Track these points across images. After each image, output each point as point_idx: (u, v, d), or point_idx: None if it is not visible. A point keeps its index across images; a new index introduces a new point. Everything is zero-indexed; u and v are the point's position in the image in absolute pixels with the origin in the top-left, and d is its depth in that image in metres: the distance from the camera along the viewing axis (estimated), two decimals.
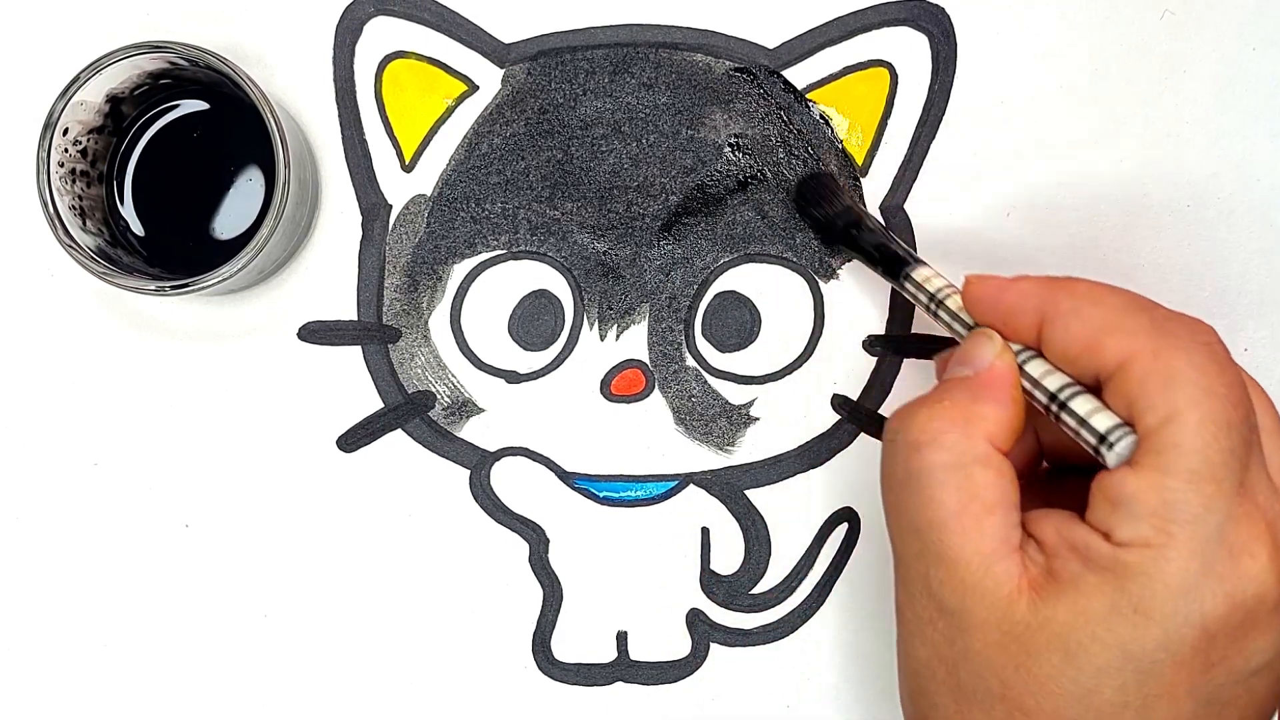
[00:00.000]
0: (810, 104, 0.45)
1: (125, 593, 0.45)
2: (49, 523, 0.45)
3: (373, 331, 0.45)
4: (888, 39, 0.44)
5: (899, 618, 0.36)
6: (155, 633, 0.45)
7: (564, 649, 0.45)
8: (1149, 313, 0.33)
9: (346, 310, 0.45)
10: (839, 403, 0.45)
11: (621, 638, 0.45)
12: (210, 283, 0.39)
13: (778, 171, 0.44)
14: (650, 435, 0.45)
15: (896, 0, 0.44)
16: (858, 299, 0.45)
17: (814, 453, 0.45)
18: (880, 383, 0.45)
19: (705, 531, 0.45)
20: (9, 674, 0.45)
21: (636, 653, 0.45)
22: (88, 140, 0.41)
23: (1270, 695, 0.32)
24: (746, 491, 0.45)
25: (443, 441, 0.45)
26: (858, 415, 0.45)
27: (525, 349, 0.45)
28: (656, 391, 0.45)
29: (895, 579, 0.35)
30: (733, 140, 0.44)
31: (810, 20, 0.44)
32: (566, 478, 0.45)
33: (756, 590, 0.45)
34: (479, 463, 0.45)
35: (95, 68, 0.39)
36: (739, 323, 0.45)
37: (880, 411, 0.45)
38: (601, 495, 0.45)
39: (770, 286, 0.45)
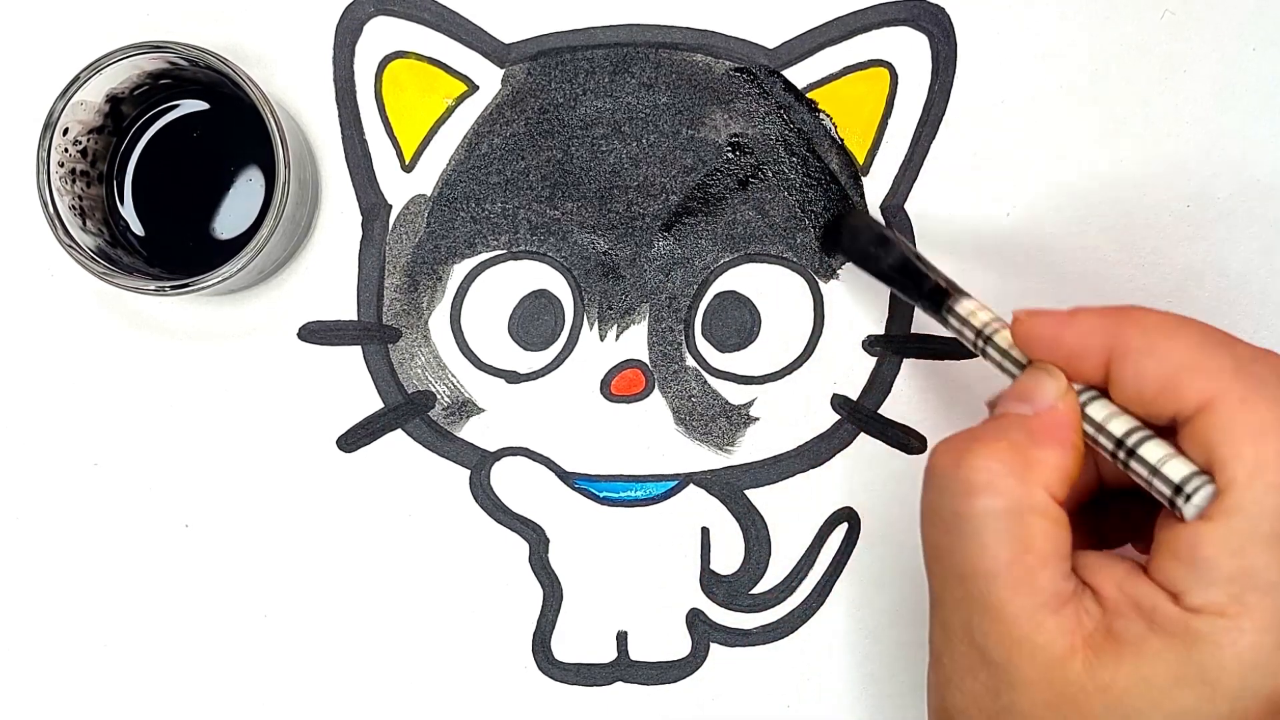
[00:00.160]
0: (810, 104, 0.45)
1: (125, 593, 0.45)
2: (49, 523, 0.45)
3: (373, 331, 0.45)
4: (888, 39, 0.44)
5: (934, 660, 0.34)
6: (155, 633, 0.45)
7: (564, 649, 0.45)
8: (1231, 350, 0.31)
9: (346, 310, 0.45)
10: (839, 403, 0.45)
11: (621, 638, 0.45)
12: (210, 283, 0.39)
13: (778, 171, 0.44)
14: (650, 435, 0.45)
15: (896, 0, 0.44)
16: (858, 299, 0.45)
17: (814, 453, 0.45)
18: (880, 383, 0.45)
19: (705, 531, 0.45)
20: (9, 674, 0.45)
21: (636, 653, 0.45)
22: (88, 140, 0.41)
23: None
24: (746, 491, 0.45)
25: (443, 441, 0.45)
26: (858, 415, 0.45)
27: (525, 349, 0.45)
28: (656, 391, 0.45)
29: (931, 618, 0.34)
30: (733, 140, 0.44)
31: (810, 20, 0.44)
32: (566, 478, 0.45)
33: (756, 590, 0.45)
34: (479, 463, 0.45)
35: (95, 68, 0.39)
36: (739, 323, 0.45)
37: (880, 412, 0.45)
38: (601, 495, 0.45)
39: (770, 286, 0.45)
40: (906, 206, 0.45)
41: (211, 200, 0.43)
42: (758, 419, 0.45)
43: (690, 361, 0.45)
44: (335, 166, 0.44)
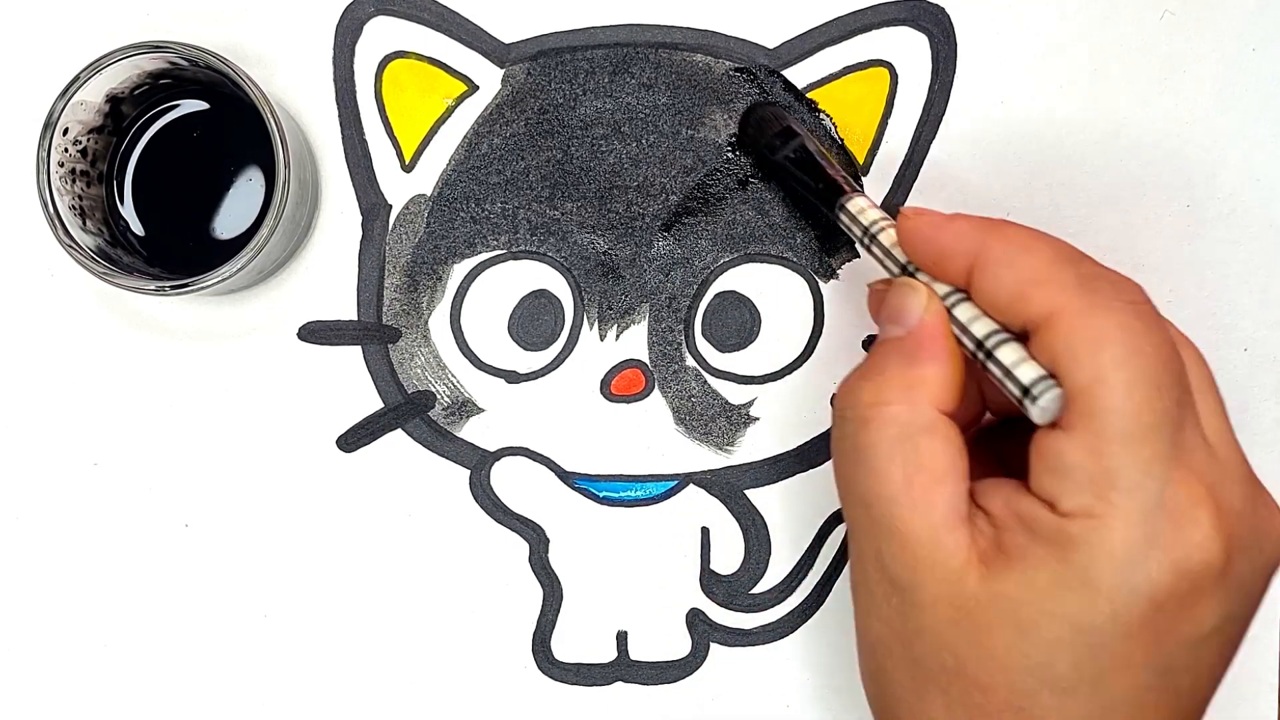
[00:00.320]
0: (810, 104, 0.45)
1: (125, 593, 0.45)
2: (49, 523, 0.45)
3: (373, 331, 0.45)
4: (888, 39, 0.44)
5: (854, 595, 0.35)
6: (155, 633, 0.45)
7: (564, 649, 0.45)
8: (1076, 267, 0.32)
9: (346, 310, 0.45)
10: None
11: (621, 637, 0.45)
12: (210, 283, 0.39)
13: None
14: (650, 435, 0.45)
15: (896, 0, 0.44)
16: (858, 299, 0.45)
17: (814, 453, 0.45)
18: None
19: (705, 531, 0.45)
20: (9, 674, 0.45)
21: (636, 653, 0.45)
22: (88, 140, 0.41)
23: (1220, 660, 0.32)
24: (746, 491, 0.45)
25: (443, 441, 0.45)
26: None
27: (525, 349, 0.45)
28: (656, 391, 0.45)
29: (850, 556, 0.35)
30: (733, 140, 0.44)
31: (810, 20, 0.44)
32: (566, 478, 0.45)
33: (756, 590, 0.45)
34: (479, 463, 0.45)
35: (95, 68, 0.39)
36: (739, 323, 0.45)
37: None
38: (601, 495, 0.45)
39: (770, 286, 0.45)
40: (906, 207, 0.45)
41: (211, 200, 0.43)
42: (758, 419, 0.45)
43: (690, 361, 0.45)
44: (335, 166, 0.44)
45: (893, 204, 0.45)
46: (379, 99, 0.44)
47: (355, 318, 0.45)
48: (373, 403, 0.45)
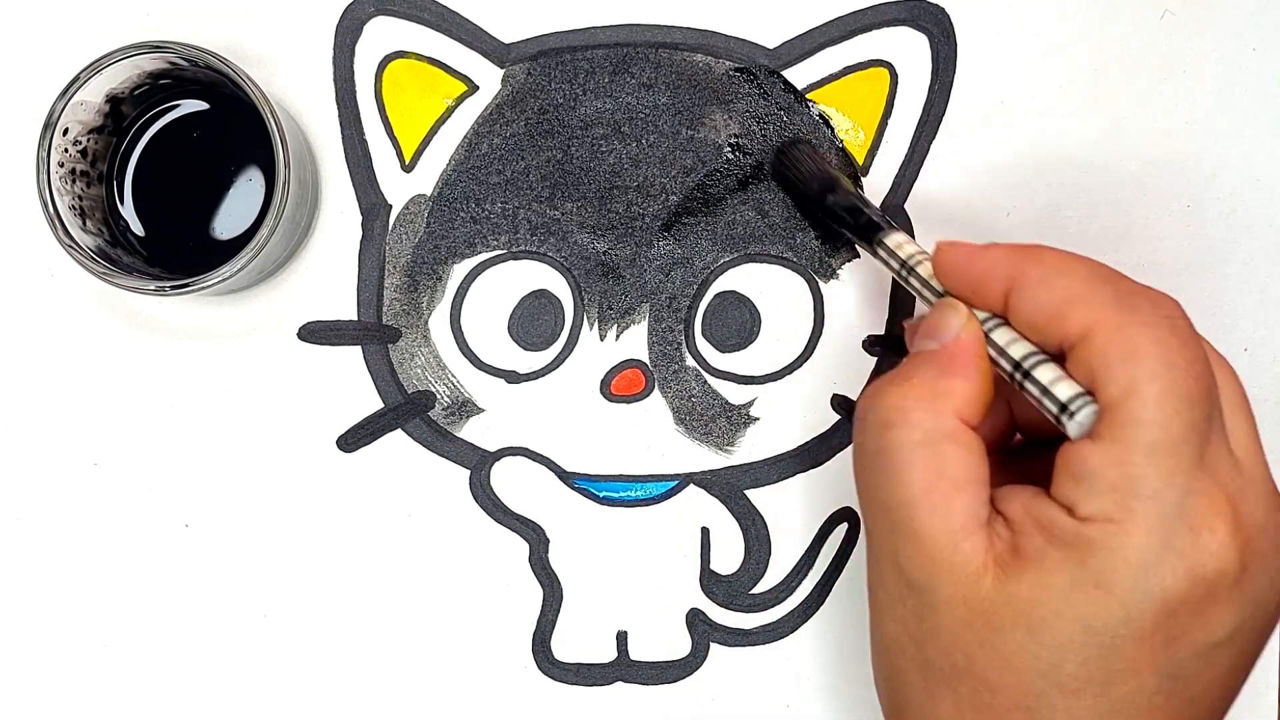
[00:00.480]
0: (810, 104, 0.45)
1: (125, 593, 0.45)
2: (49, 523, 0.45)
3: (373, 331, 0.45)
4: (888, 39, 0.44)
5: (870, 596, 0.36)
6: (155, 633, 0.45)
7: (564, 649, 0.45)
8: (1114, 285, 0.33)
9: (346, 310, 0.45)
10: (839, 403, 0.45)
11: (621, 638, 0.45)
12: (210, 283, 0.39)
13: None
14: (650, 435, 0.45)
15: (896, 0, 0.44)
16: (858, 299, 0.45)
17: (814, 453, 0.45)
18: None
19: (705, 531, 0.45)
20: (9, 674, 0.45)
21: (636, 653, 0.45)
22: (88, 140, 0.41)
23: (1233, 669, 0.32)
24: (746, 491, 0.45)
25: (443, 441, 0.45)
26: None
27: (525, 349, 0.45)
28: (656, 391, 0.45)
29: (867, 557, 0.36)
30: (733, 140, 0.44)
31: (810, 20, 0.44)
32: (566, 478, 0.45)
33: (756, 590, 0.45)
34: (479, 463, 0.45)
35: (95, 68, 0.39)
36: (739, 323, 0.45)
37: None
38: (601, 495, 0.45)
39: (770, 286, 0.45)
40: (906, 206, 0.45)
41: (211, 200, 0.43)
42: (758, 419, 0.45)
43: (690, 361, 0.45)
44: (335, 166, 0.44)
45: (893, 204, 0.45)
46: (379, 99, 0.44)
47: (355, 318, 0.45)
48: (373, 403, 0.45)
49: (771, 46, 0.44)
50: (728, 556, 0.45)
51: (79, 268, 0.39)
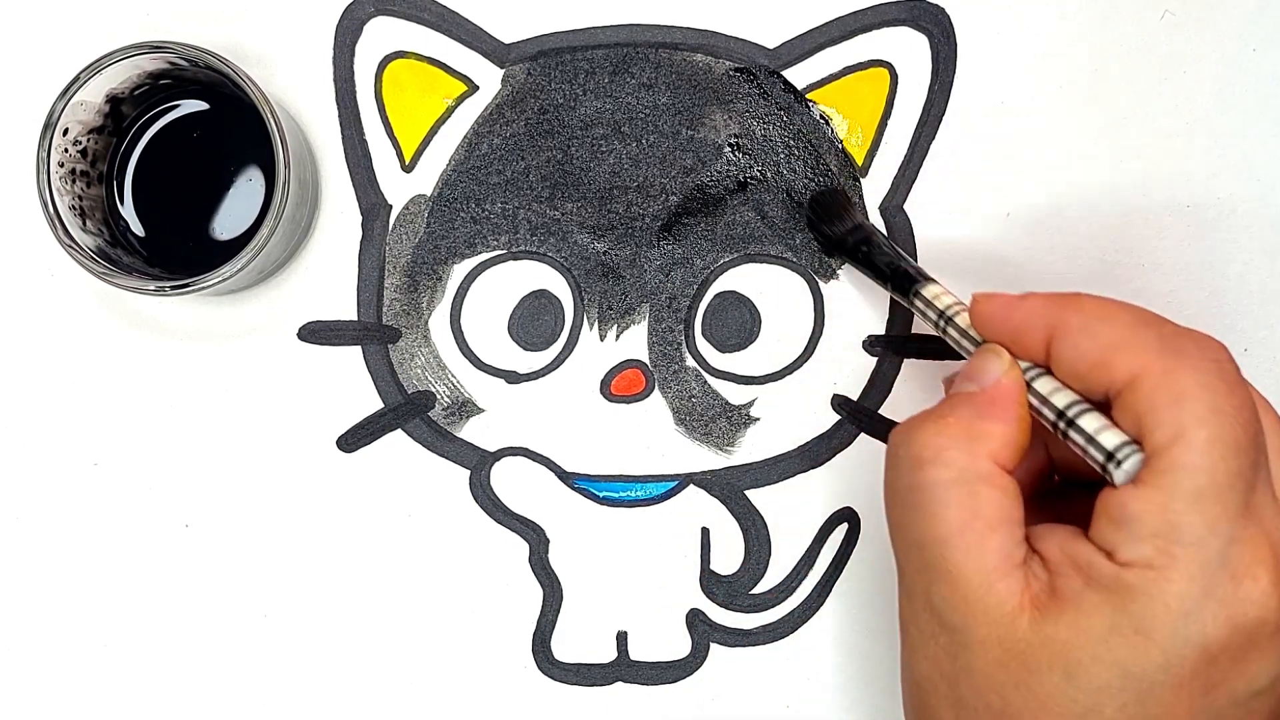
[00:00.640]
0: (810, 104, 0.45)
1: (125, 593, 0.45)
2: (49, 523, 0.45)
3: (373, 331, 0.45)
4: (888, 39, 0.44)
5: (902, 631, 0.35)
6: (155, 633, 0.45)
7: (564, 649, 0.45)
8: (1158, 329, 0.32)
9: (346, 310, 0.45)
10: (839, 403, 0.45)
11: (621, 638, 0.45)
12: (210, 283, 0.39)
13: (777, 172, 0.44)
14: (650, 435, 0.45)
15: (896, 0, 0.44)
16: (858, 299, 0.45)
17: (814, 453, 0.45)
18: (880, 383, 0.45)
19: (705, 532, 0.45)
20: (9, 674, 0.45)
21: (636, 653, 0.45)
22: (88, 140, 0.41)
23: (1272, 717, 0.32)
24: (746, 492, 0.45)
25: (443, 441, 0.45)
26: (858, 415, 0.45)
27: (525, 349, 0.45)
28: (656, 391, 0.45)
29: (899, 592, 0.35)
30: (733, 140, 0.44)
31: (810, 20, 0.44)
32: (566, 478, 0.45)
33: (756, 590, 0.45)
34: (479, 463, 0.45)
35: (95, 68, 0.39)
36: (739, 323, 0.45)
37: (880, 412, 0.45)
38: (601, 495, 0.45)
39: (770, 286, 0.45)
40: (906, 207, 0.45)
41: (211, 200, 0.43)
42: (758, 419, 0.45)
43: (690, 361, 0.45)
44: (335, 166, 0.44)
45: (893, 204, 0.45)
46: (379, 99, 0.44)
47: (355, 318, 0.45)
48: (373, 403, 0.45)
49: (771, 46, 0.44)
50: (728, 557, 0.45)
51: (79, 268, 0.39)
